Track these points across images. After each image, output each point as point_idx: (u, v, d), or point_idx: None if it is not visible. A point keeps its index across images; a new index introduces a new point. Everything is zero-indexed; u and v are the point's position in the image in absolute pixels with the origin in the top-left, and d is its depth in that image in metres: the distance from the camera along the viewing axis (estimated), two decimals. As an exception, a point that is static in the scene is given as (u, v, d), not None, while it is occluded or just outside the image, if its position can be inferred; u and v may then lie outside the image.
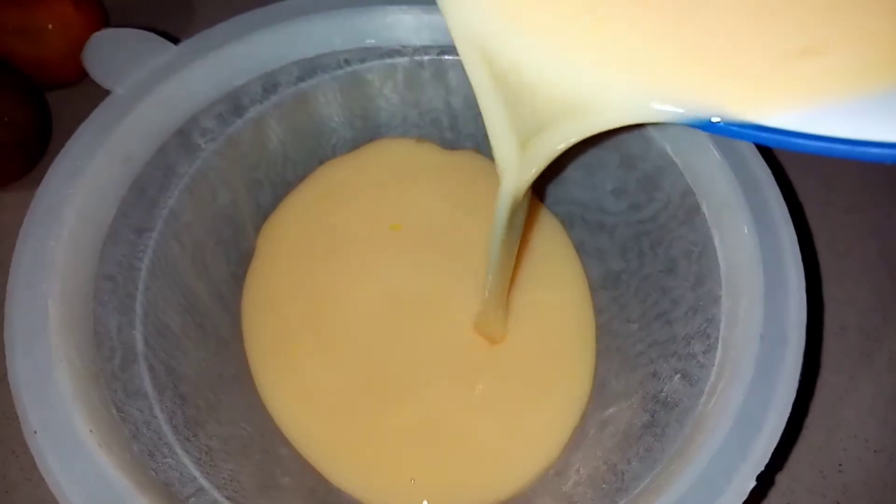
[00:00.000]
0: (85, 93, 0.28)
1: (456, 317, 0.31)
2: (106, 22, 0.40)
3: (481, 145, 0.35)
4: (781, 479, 0.30)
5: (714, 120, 0.17)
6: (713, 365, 0.24)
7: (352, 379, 0.30)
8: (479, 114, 0.32)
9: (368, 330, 0.31)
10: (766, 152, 0.36)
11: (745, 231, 0.25)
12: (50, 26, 0.37)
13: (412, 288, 0.32)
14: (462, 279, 0.32)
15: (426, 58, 0.31)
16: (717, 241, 0.26)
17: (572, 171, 0.33)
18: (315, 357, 0.31)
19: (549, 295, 0.32)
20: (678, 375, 0.25)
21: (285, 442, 0.29)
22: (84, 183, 0.26)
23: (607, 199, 0.32)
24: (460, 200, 0.34)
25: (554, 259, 0.33)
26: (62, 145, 0.27)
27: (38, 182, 0.26)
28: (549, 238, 0.34)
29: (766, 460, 0.22)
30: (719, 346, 0.24)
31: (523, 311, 0.32)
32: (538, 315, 0.32)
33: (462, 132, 0.35)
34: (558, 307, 0.32)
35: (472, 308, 0.31)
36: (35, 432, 0.22)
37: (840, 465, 0.31)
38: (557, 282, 0.33)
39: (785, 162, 0.37)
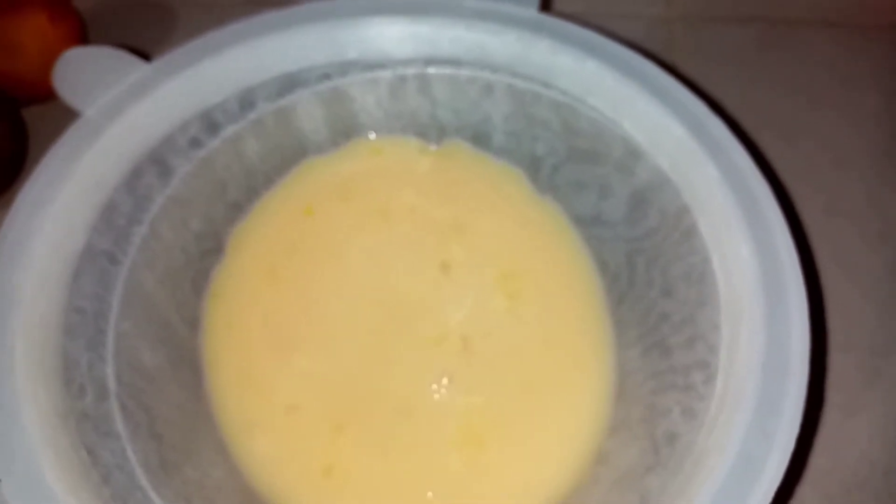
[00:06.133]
0: (63, 109, 0.27)
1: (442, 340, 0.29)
2: (84, 36, 0.39)
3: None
4: (787, 505, 0.29)
5: None
6: (713, 396, 0.23)
7: (323, 418, 0.28)
8: (467, 127, 0.31)
9: (342, 364, 0.29)
10: (766, 163, 0.35)
11: (745, 253, 0.24)
12: (25, 41, 0.36)
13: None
14: (453, 296, 0.30)
15: (410, 71, 0.30)
16: (715, 263, 0.25)
17: (565, 185, 0.31)
18: (282, 393, 0.28)
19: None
20: (678, 408, 0.24)
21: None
22: (53, 212, 0.25)
23: (598, 216, 0.30)
24: (447, 196, 0.32)
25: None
26: (39, 162, 0.25)
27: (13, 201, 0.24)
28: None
29: (770, 498, 0.21)
30: (719, 375, 0.23)
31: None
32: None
33: (450, 146, 0.33)
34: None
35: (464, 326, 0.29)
36: (-1, 481, 0.21)
37: (848, 489, 0.30)
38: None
39: (785, 171, 0.36)
